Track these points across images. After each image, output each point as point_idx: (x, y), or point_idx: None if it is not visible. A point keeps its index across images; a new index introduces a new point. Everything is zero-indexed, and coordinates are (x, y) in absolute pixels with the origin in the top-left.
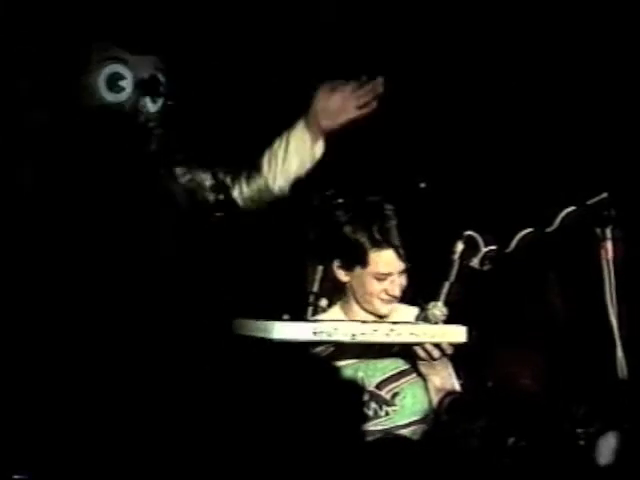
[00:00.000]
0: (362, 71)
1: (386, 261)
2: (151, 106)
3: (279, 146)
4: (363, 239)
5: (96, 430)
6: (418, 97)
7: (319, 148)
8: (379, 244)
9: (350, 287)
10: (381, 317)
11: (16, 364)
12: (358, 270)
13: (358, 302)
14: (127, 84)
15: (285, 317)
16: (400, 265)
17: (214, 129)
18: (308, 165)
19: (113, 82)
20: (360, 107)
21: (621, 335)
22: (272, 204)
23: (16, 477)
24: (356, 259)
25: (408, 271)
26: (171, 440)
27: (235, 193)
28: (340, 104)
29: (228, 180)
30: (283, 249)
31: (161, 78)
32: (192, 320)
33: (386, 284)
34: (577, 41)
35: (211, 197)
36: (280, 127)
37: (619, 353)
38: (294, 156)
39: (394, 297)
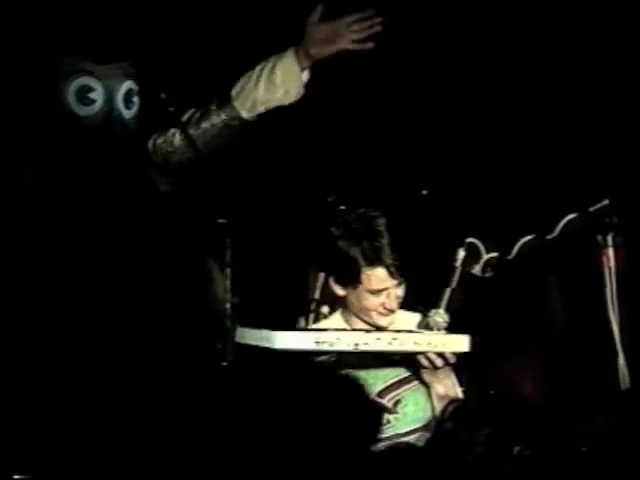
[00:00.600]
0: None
1: (379, 278)
2: (126, 112)
3: (262, 71)
4: (356, 256)
5: (96, 431)
6: (420, 104)
7: (305, 77)
8: (371, 262)
9: (348, 300)
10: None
11: (15, 365)
12: (353, 286)
13: (356, 315)
14: (98, 95)
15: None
16: (394, 280)
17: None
18: (293, 98)
19: (83, 95)
20: (354, 42)
21: (623, 342)
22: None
23: (16, 477)
24: (351, 276)
25: (406, 282)
26: (171, 444)
27: (204, 127)
28: (330, 33)
29: (197, 116)
30: (284, 255)
31: (133, 86)
32: (190, 324)
33: (382, 298)
34: (577, 49)
35: (180, 149)
36: None
37: (621, 361)
38: (280, 86)
39: (391, 310)
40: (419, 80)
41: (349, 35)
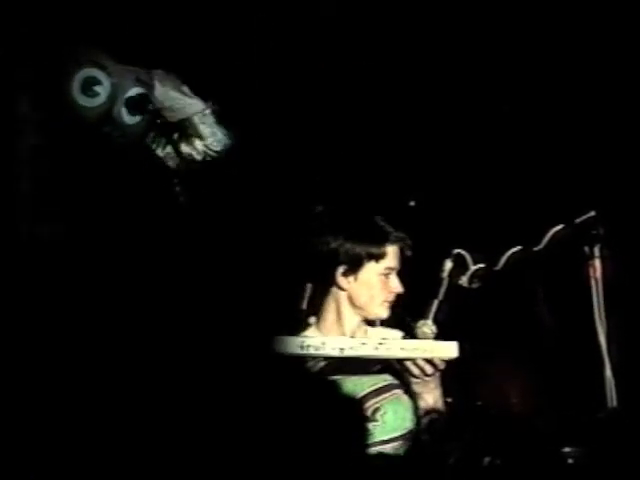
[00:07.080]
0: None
1: (396, 255)
2: (127, 118)
3: None
4: (379, 230)
5: (96, 431)
6: (409, 114)
7: None
8: (389, 237)
9: (347, 297)
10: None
11: (17, 365)
12: (365, 271)
13: (355, 310)
14: (102, 90)
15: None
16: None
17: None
18: None
19: (88, 86)
20: None
21: (609, 353)
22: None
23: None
24: (369, 255)
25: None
26: (167, 444)
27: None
28: None
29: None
30: (273, 267)
31: (142, 93)
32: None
33: (392, 279)
34: (566, 62)
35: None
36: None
37: (607, 371)
38: None
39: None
40: (409, 91)
41: None
